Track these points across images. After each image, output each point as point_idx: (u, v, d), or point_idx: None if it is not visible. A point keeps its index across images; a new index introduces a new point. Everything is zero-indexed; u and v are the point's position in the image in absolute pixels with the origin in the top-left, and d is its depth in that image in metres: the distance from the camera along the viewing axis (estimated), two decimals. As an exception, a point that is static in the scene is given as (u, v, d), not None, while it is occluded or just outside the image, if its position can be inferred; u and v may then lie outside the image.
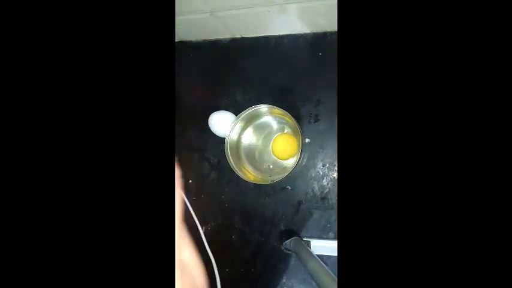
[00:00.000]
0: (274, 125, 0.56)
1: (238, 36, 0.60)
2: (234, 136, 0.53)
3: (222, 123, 0.53)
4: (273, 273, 0.53)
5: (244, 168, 0.54)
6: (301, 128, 0.49)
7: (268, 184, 0.52)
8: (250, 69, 0.59)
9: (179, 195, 0.22)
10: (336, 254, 0.48)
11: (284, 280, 0.53)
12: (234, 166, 0.51)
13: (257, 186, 0.55)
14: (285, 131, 0.55)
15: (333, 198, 0.51)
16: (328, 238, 0.51)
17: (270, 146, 0.55)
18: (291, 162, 0.54)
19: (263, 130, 0.56)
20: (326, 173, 0.52)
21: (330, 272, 0.34)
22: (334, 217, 0.51)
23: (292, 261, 0.53)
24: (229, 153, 0.51)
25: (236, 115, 0.52)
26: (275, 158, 0.55)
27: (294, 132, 0.52)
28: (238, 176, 0.50)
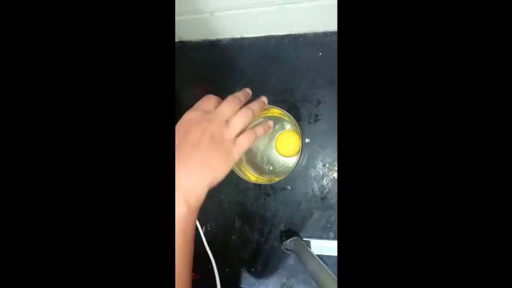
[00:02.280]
0: (274, 125, 0.56)
1: (238, 36, 0.60)
2: (234, 136, 0.53)
3: None
4: (273, 273, 0.53)
5: (244, 168, 0.54)
6: (301, 128, 0.49)
7: (268, 184, 0.52)
8: (250, 69, 0.58)
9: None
10: (336, 254, 0.48)
11: (284, 280, 0.53)
12: (234, 166, 0.51)
13: (257, 186, 0.55)
14: (286, 129, 0.55)
15: (333, 198, 0.51)
16: (328, 238, 0.51)
17: (271, 145, 0.55)
18: (291, 162, 0.54)
19: (263, 130, 0.56)
20: (326, 173, 0.52)
21: (330, 272, 0.34)
22: (334, 217, 0.51)
23: (292, 261, 0.53)
24: (229, 153, 0.51)
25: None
26: (275, 157, 0.55)
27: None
28: (238, 176, 0.50)
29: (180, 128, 0.31)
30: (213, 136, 0.30)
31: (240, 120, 0.33)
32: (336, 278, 0.32)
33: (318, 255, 0.42)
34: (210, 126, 0.31)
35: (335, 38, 0.54)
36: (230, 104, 0.34)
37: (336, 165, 0.52)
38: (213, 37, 0.61)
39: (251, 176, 0.54)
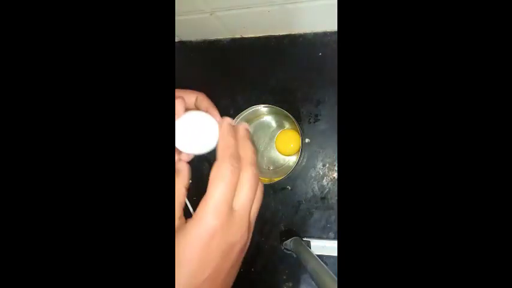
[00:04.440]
0: (274, 125, 0.56)
1: (238, 36, 0.60)
2: (234, 136, 0.53)
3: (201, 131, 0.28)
4: (273, 273, 0.53)
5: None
6: (301, 128, 0.49)
7: (268, 184, 0.52)
8: (250, 69, 0.58)
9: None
10: (336, 254, 0.48)
11: (284, 280, 0.53)
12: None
13: (257, 186, 0.55)
14: (286, 128, 0.55)
15: (333, 198, 0.51)
16: (328, 238, 0.51)
17: (272, 144, 0.55)
18: (290, 162, 0.54)
19: (263, 130, 0.56)
20: (326, 173, 0.52)
21: (330, 272, 0.34)
22: (334, 217, 0.51)
23: (292, 261, 0.53)
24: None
25: (235, 115, 0.52)
26: (275, 157, 0.55)
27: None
28: (238, 176, 0.50)
29: None
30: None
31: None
32: (336, 278, 0.32)
33: (318, 255, 0.42)
34: None
35: (335, 38, 0.54)
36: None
37: (336, 165, 0.52)
38: (213, 37, 0.61)
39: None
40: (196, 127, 0.28)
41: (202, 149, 0.29)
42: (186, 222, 0.22)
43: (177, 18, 0.54)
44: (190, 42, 0.63)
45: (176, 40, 0.64)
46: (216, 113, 0.29)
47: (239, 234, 0.23)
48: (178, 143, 0.28)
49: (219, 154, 0.24)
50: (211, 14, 0.52)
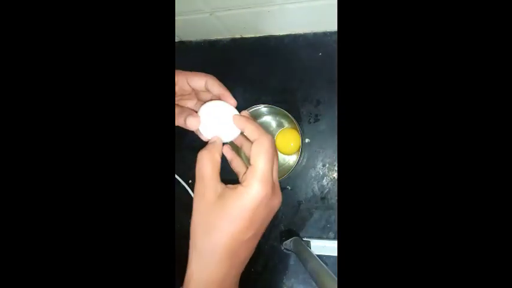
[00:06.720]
0: (274, 124, 0.56)
1: (238, 36, 0.60)
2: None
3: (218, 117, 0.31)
4: (273, 273, 0.53)
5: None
6: (301, 128, 0.49)
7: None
8: (250, 69, 0.58)
9: None
10: (336, 254, 0.48)
11: (284, 280, 0.53)
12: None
13: (257, 186, 0.55)
14: (285, 127, 0.55)
15: (333, 198, 0.51)
16: (328, 238, 0.50)
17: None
18: (290, 162, 0.54)
19: (263, 130, 0.56)
20: (326, 173, 0.52)
21: (330, 272, 0.34)
22: (334, 217, 0.51)
23: (292, 261, 0.52)
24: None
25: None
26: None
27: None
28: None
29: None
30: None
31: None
32: (336, 278, 0.32)
33: (318, 255, 0.42)
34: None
35: (335, 38, 0.54)
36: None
37: (336, 165, 0.52)
38: (213, 37, 0.61)
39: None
40: (217, 117, 0.30)
41: (225, 138, 0.30)
42: (227, 187, 0.26)
43: (177, 18, 0.54)
44: (190, 42, 0.63)
45: (176, 40, 0.64)
46: (229, 95, 0.31)
47: (277, 201, 0.28)
48: (204, 133, 0.30)
49: (257, 132, 0.27)
50: (211, 14, 0.52)
